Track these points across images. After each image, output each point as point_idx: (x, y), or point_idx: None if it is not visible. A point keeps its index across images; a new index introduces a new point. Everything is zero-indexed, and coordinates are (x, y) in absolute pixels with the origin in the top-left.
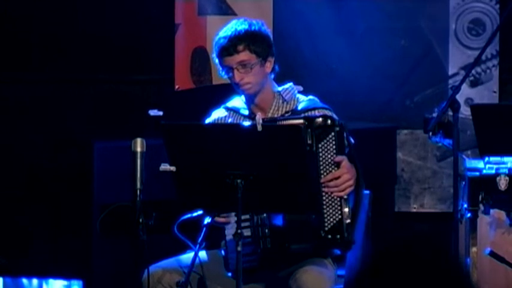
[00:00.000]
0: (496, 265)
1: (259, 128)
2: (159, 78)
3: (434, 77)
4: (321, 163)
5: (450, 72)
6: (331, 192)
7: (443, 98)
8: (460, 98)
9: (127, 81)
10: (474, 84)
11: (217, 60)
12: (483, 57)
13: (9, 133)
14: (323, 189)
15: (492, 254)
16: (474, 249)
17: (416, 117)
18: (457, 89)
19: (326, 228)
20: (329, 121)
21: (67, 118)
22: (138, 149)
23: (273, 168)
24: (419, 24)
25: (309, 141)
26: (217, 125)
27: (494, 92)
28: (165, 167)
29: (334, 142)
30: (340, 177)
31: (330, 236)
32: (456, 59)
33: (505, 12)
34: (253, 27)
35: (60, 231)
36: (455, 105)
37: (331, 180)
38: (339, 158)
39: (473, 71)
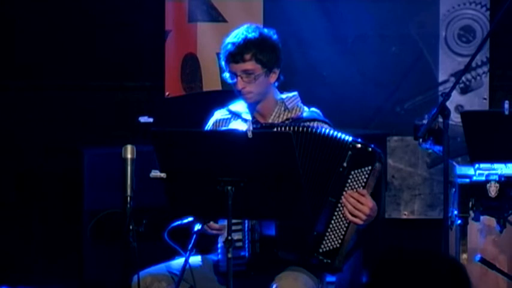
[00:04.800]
0: (486, 272)
1: (250, 134)
2: (149, 85)
3: (425, 83)
4: (346, 189)
5: (440, 79)
6: (344, 209)
7: (434, 105)
8: (450, 104)
9: (117, 87)
10: (464, 91)
11: (223, 63)
12: (473, 64)
13: None
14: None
15: (482, 260)
16: (464, 255)
17: (407, 124)
18: (447, 95)
19: (321, 250)
20: (372, 154)
21: (57, 125)
22: (129, 156)
23: (264, 175)
24: (410, 31)
25: (344, 164)
26: (207, 132)
27: (485, 98)
28: (155, 173)
29: (366, 175)
30: (361, 204)
31: (320, 257)
32: (446, 66)
33: (495, 18)
34: (263, 37)
35: (51, 237)
36: (445, 112)
37: (353, 199)
38: (363, 192)
39: (463, 78)
